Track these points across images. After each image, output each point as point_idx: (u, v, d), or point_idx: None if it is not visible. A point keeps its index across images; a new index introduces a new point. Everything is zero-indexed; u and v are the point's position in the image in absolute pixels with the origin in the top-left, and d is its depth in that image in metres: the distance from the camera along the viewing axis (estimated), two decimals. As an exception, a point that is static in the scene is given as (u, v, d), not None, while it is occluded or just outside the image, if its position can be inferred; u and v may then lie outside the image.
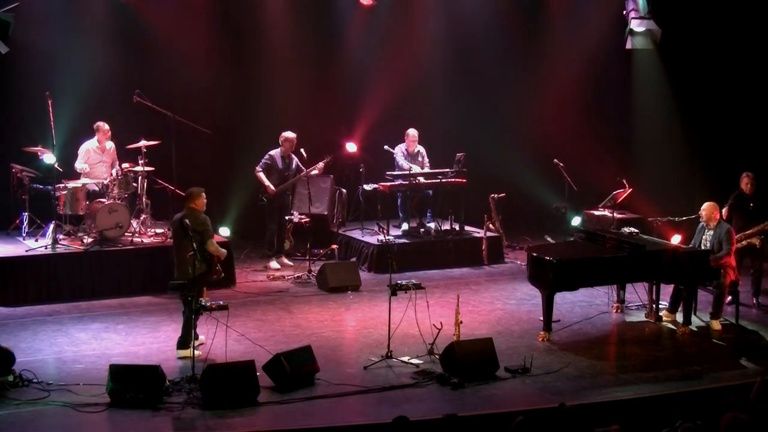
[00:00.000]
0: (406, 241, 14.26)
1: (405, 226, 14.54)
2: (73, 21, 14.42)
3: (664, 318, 11.56)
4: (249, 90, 15.60)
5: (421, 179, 14.36)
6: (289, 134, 13.83)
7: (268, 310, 11.92)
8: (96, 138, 13.31)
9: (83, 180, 13.11)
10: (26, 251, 12.42)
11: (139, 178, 13.15)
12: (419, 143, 14.75)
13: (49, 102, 12.43)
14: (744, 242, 12.00)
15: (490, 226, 14.69)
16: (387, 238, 13.16)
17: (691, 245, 11.65)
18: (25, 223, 13.07)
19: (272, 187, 13.69)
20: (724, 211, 12.11)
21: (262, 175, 13.74)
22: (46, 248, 12.47)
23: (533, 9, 17.01)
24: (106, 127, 13.30)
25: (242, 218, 14.69)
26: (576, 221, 15.34)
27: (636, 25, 16.22)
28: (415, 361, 9.95)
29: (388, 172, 14.48)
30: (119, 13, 14.60)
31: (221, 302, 9.78)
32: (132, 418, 8.54)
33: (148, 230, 13.21)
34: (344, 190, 15.21)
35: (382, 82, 15.89)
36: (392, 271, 10.40)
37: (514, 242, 15.51)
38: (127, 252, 12.76)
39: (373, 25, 16.24)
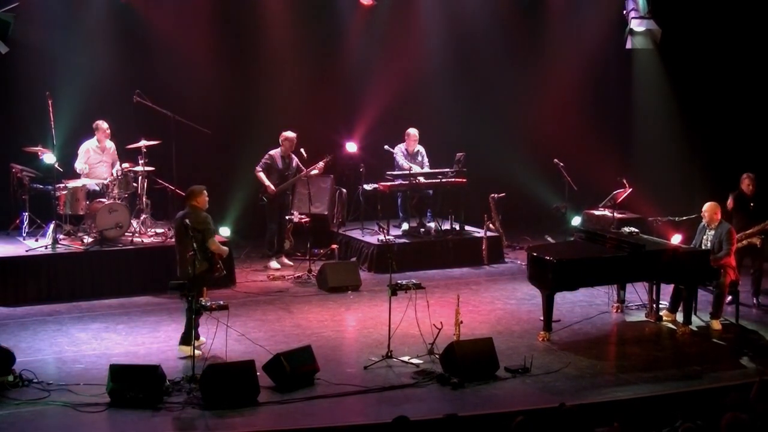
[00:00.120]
0: (406, 240, 14.26)
1: (405, 225, 14.54)
2: (73, 21, 14.43)
3: (664, 318, 11.55)
4: (249, 90, 15.61)
5: (421, 179, 14.36)
6: (290, 134, 13.83)
7: (268, 310, 11.92)
8: (96, 137, 13.32)
9: (83, 180, 13.11)
10: (26, 251, 12.42)
11: (139, 178, 13.16)
12: (419, 143, 14.75)
13: (49, 102, 12.43)
14: (744, 242, 12.00)
15: (490, 225, 14.69)
16: (387, 237, 13.16)
17: (692, 245, 11.65)
18: (26, 223, 13.07)
19: (272, 187, 13.70)
20: (729, 201, 12.12)
21: (262, 175, 13.74)
22: (46, 248, 12.47)
23: (533, 8, 17.01)
24: (105, 125, 13.30)
25: (242, 218, 14.69)
26: (576, 221, 15.33)
27: (636, 25, 16.21)
28: (415, 360, 9.95)
29: (388, 172, 14.48)
30: (119, 13, 14.61)
31: (221, 302, 9.79)
32: (132, 418, 8.54)
33: (148, 230, 13.21)
34: (344, 190, 15.21)
35: (382, 82, 15.90)
36: (392, 270, 10.40)
37: (514, 242, 15.51)
38: (127, 252, 12.76)
39: (373, 25, 16.24)
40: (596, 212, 15.15)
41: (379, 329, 10.83)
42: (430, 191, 14.69)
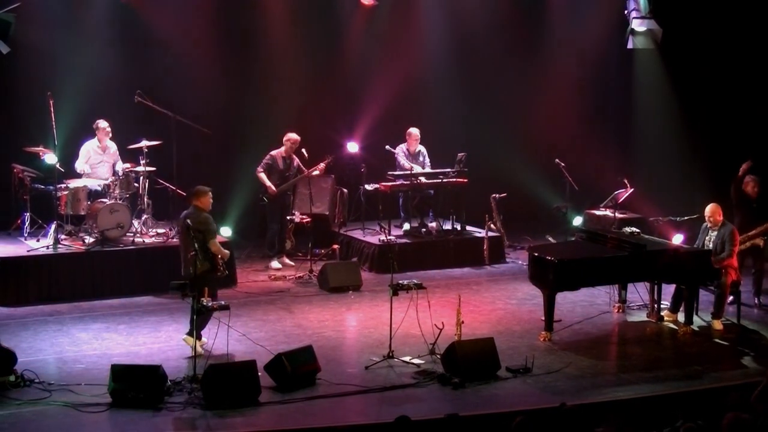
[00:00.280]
0: (408, 240, 14.25)
1: (406, 225, 14.54)
2: (74, 21, 14.43)
3: (665, 318, 11.55)
4: (250, 90, 15.59)
5: (423, 179, 14.36)
6: (294, 136, 13.81)
7: (269, 310, 11.92)
8: (96, 138, 13.32)
9: (84, 180, 13.12)
10: (27, 251, 12.42)
11: (141, 178, 13.16)
12: (420, 143, 14.75)
13: (50, 102, 12.44)
14: (747, 243, 11.99)
15: (492, 225, 14.68)
16: (388, 237, 13.15)
17: (694, 245, 11.64)
18: (27, 224, 13.06)
19: (273, 188, 13.70)
20: (733, 189, 12.12)
21: (263, 176, 13.74)
22: (47, 248, 12.47)
23: (534, 8, 17.00)
24: (106, 125, 13.30)
25: (243, 218, 14.68)
26: (577, 221, 15.33)
27: (637, 25, 16.21)
28: (416, 360, 9.94)
29: (389, 172, 14.48)
30: (120, 13, 14.60)
31: (222, 302, 9.81)
32: (133, 418, 8.54)
33: (150, 230, 13.21)
34: (345, 190, 15.21)
35: (384, 82, 15.89)
36: (393, 270, 10.40)
37: (516, 242, 15.50)
38: (129, 252, 12.76)
39: (374, 24, 16.24)
40: (597, 212, 15.15)
41: (380, 329, 10.83)
42: (432, 191, 14.69)
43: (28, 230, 13.04)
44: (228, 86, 15.47)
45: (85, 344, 10.55)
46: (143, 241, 12.97)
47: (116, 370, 8.91)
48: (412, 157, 14.66)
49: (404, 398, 9.10)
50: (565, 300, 11.80)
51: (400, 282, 10.22)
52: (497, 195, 15.18)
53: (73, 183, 12.98)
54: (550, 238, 15.39)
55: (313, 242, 13.95)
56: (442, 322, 10.23)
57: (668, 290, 11.67)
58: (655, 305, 11.60)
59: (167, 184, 13.39)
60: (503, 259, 14.64)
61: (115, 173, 13.25)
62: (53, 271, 12.31)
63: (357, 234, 14.64)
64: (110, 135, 13.38)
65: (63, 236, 12.76)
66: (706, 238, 11.52)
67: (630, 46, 16.43)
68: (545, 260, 10.86)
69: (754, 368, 10.04)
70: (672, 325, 11.42)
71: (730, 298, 11.56)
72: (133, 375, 8.91)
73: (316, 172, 13.93)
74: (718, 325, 11.31)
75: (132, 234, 12.99)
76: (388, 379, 9.53)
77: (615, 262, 11.03)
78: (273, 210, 13.91)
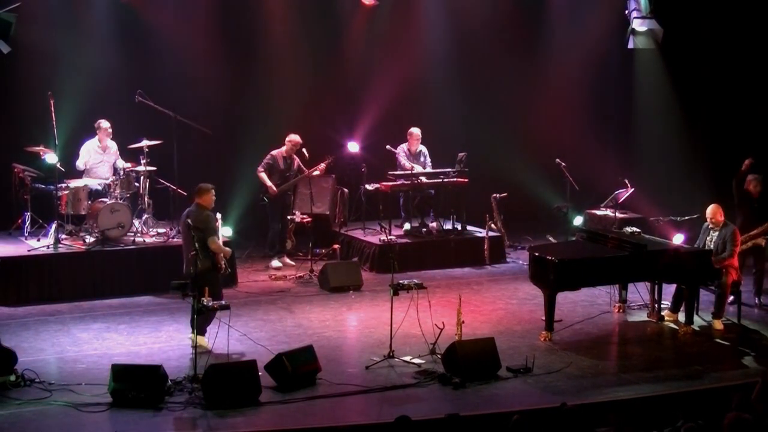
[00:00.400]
0: (408, 240, 14.25)
1: (407, 225, 14.53)
2: (75, 21, 14.44)
3: (666, 318, 11.55)
4: (250, 90, 15.59)
5: (423, 179, 14.37)
6: (295, 138, 13.79)
7: (269, 310, 11.92)
8: (97, 137, 13.32)
9: (85, 180, 13.12)
10: (28, 251, 12.42)
11: (141, 177, 13.16)
12: (422, 143, 14.75)
13: (51, 102, 12.44)
14: (749, 243, 11.99)
15: (492, 225, 14.68)
16: (389, 237, 13.15)
17: (695, 245, 11.64)
18: (27, 223, 13.06)
19: (274, 188, 13.70)
20: (735, 186, 12.10)
21: (263, 176, 13.74)
22: (48, 248, 12.47)
23: (534, 8, 17.00)
24: (107, 125, 13.30)
25: (244, 218, 14.66)
26: (578, 221, 15.32)
27: (638, 25, 16.19)
28: (416, 360, 9.94)
29: (390, 172, 14.47)
30: (121, 12, 14.62)
31: (223, 302, 9.81)
32: (134, 418, 8.54)
33: (150, 230, 13.21)
34: (346, 190, 15.20)
35: (384, 82, 15.89)
36: (394, 270, 10.40)
37: (516, 242, 15.50)
38: (129, 252, 12.76)
39: (375, 24, 16.24)
40: (598, 212, 15.15)
41: (380, 329, 10.82)
42: (432, 191, 14.69)
43: (28, 230, 13.04)
44: (229, 86, 15.46)
45: (86, 344, 10.55)
46: (144, 241, 12.97)
47: (117, 370, 8.92)
48: (413, 157, 14.66)
49: (405, 398, 9.10)
50: (565, 300, 11.79)
51: (401, 282, 10.23)
52: (498, 195, 15.18)
53: (74, 183, 12.98)
54: (550, 238, 15.39)
55: (314, 242, 13.95)
56: (443, 322, 10.23)
57: (669, 290, 11.67)
58: (656, 305, 11.60)
59: (168, 184, 13.40)
60: (504, 259, 14.64)
61: (115, 171, 13.26)
62: (54, 270, 12.31)
63: (357, 234, 14.63)
64: (111, 135, 13.39)
65: (64, 236, 12.76)
66: (707, 238, 11.52)
67: (631, 46, 16.41)
68: (546, 260, 10.86)
69: (755, 368, 10.04)
70: (672, 325, 11.42)
71: (731, 298, 11.56)
72: (133, 375, 8.92)
73: (317, 172, 13.93)
74: (718, 325, 11.31)
75: (132, 234, 12.98)
76: (388, 379, 9.53)
77: (615, 262, 11.03)
78: (274, 210, 13.91)
